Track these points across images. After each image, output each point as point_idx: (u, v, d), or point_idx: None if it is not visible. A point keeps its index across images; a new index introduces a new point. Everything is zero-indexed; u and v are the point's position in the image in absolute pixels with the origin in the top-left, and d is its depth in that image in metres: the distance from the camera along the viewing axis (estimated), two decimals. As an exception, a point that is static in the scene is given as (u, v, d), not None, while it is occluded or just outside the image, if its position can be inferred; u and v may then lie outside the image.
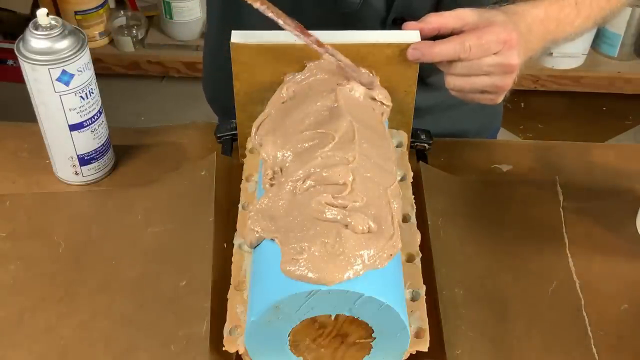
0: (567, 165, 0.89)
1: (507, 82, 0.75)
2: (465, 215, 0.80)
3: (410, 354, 0.63)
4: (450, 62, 0.73)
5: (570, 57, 2.11)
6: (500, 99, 0.77)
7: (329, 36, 0.74)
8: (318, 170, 0.63)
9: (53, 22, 0.74)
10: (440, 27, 0.74)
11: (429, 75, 0.89)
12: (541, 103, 1.12)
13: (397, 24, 0.84)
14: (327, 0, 0.83)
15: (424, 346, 0.62)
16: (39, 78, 0.75)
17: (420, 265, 0.67)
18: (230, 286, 0.66)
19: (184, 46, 2.23)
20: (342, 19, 0.84)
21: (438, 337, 0.67)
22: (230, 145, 0.87)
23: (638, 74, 2.21)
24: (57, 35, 0.74)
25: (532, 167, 0.89)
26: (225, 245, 0.73)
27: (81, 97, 0.77)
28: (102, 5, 2.17)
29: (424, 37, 0.74)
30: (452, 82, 0.75)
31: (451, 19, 0.74)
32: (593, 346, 0.69)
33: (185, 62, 2.22)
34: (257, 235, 0.63)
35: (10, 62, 2.21)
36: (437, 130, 0.90)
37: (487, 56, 0.72)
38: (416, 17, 0.77)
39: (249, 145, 0.78)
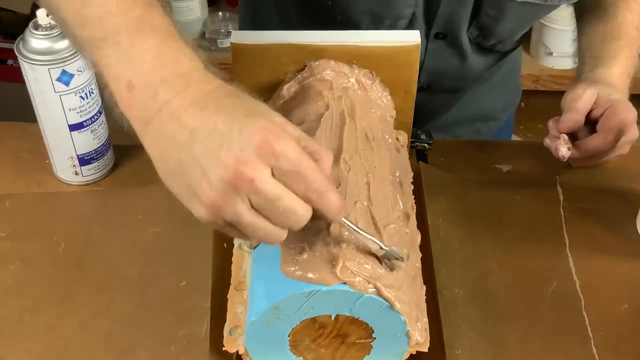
0: (567, 165, 0.89)
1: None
2: (465, 215, 0.80)
3: (410, 354, 0.63)
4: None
5: (570, 57, 2.10)
6: None
7: (329, 36, 0.74)
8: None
9: (53, 22, 0.74)
10: (581, 121, 0.84)
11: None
12: (541, 103, 1.12)
13: (438, 38, 0.91)
14: (380, 18, 0.87)
15: (424, 346, 0.62)
16: (39, 78, 0.75)
17: (420, 265, 0.67)
18: (230, 286, 0.66)
19: (183, 46, 2.22)
20: None
21: (438, 337, 0.67)
22: (230, 145, 0.87)
23: (638, 73, 2.20)
24: (57, 35, 0.74)
25: (532, 167, 0.89)
26: (225, 245, 0.73)
27: (81, 97, 0.77)
28: (102, 5, 2.17)
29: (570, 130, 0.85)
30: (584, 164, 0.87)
31: (584, 109, 0.84)
32: (593, 346, 0.69)
33: (185, 62, 2.21)
34: (257, 235, 0.63)
35: (10, 62, 2.21)
36: (465, 114, 1.01)
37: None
38: (455, 31, 0.88)
39: (249, 145, 0.78)
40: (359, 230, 0.57)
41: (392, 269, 0.59)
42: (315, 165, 0.52)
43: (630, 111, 0.82)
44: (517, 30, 0.94)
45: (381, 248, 0.58)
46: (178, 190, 0.53)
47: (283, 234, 0.53)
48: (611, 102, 0.83)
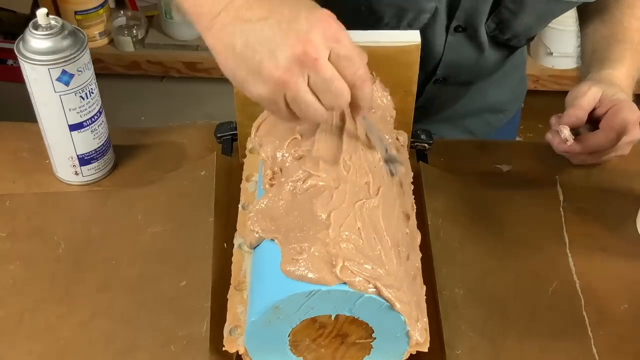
0: (567, 165, 0.89)
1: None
2: (465, 215, 0.80)
3: (410, 354, 0.63)
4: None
5: (570, 57, 2.10)
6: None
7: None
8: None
9: (53, 22, 0.74)
10: (583, 117, 0.84)
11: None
12: (541, 103, 1.13)
13: (458, 31, 0.93)
14: (403, 12, 0.89)
15: (424, 346, 0.62)
16: (39, 78, 0.75)
17: (420, 265, 0.67)
18: (230, 286, 0.66)
19: (183, 46, 2.23)
20: None
21: (438, 337, 0.67)
22: (230, 145, 0.87)
23: None
24: (57, 35, 0.74)
25: (532, 167, 0.89)
26: (225, 245, 0.73)
27: (81, 97, 0.77)
28: (102, 5, 2.17)
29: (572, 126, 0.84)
30: (583, 160, 0.87)
31: (588, 106, 0.84)
32: (593, 346, 0.69)
33: (185, 62, 2.22)
34: (257, 235, 0.63)
35: (10, 62, 2.21)
36: (474, 106, 1.04)
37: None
38: (474, 24, 0.90)
39: (249, 145, 0.78)
40: (375, 129, 0.65)
41: (393, 173, 0.66)
42: (362, 54, 0.59)
43: (634, 111, 0.82)
44: (534, 26, 0.95)
45: (387, 151, 0.66)
46: (240, 74, 0.58)
47: (324, 114, 0.60)
48: (615, 101, 0.83)
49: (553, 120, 0.86)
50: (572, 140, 0.83)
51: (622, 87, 0.87)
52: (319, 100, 0.59)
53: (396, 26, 0.90)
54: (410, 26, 0.90)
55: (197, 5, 0.60)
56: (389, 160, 0.66)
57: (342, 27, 0.59)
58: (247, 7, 0.58)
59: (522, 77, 1.16)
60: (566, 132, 0.83)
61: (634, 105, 0.83)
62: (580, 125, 0.85)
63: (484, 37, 0.93)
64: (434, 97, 1.01)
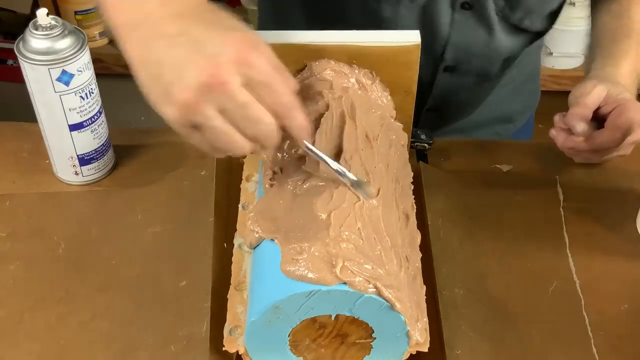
0: (567, 165, 0.89)
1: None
2: (465, 215, 0.80)
3: (410, 354, 0.63)
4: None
5: (570, 57, 2.10)
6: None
7: (329, 36, 0.74)
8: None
9: (53, 22, 0.74)
10: (588, 116, 0.83)
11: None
12: (541, 103, 1.12)
13: (464, 9, 0.90)
14: None
15: (424, 346, 0.62)
16: (39, 78, 0.75)
17: (420, 265, 0.67)
18: (230, 286, 0.66)
19: (183, 46, 2.22)
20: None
21: (438, 337, 0.67)
22: (230, 145, 0.87)
23: (638, 73, 2.20)
24: (57, 35, 0.74)
25: (532, 167, 0.89)
26: (225, 245, 0.73)
27: (81, 97, 0.77)
28: (102, 5, 2.17)
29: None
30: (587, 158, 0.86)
31: (593, 105, 0.83)
32: (593, 346, 0.69)
33: (185, 62, 2.21)
34: (257, 235, 0.63)
35: (10, 62, 2.21)
36: (489, 116, 1.04)
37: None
38: (482, 0, 0.88)
39: (249, 145, 0.78)
40: (324, 157, 0.60)
41: (370, 196, 0.61)
42: (286, 81, 0.56)
43: (639, 112, 0.82)
44: (544, 1, 0.92)
45: (344, 175, 0.61)
46: (154, 92, 0.56)
47: (246, 146, 0.56)
48: (621, 100, 0.83)
49: (557, 118, 0.85)
50: (586, 128, 0.82)
51: (626, 85, 0.86)
52: (240, 131, 0.55)
53: (397, 2, 0.88)
54: (412, 1, 0.88)
55: (116, 9, 0.58)
56: (355, 186, 0.61)
57: (262, 51, 0.55)
58: (164, 21, 0.55)
59: (535, 89, 1.15)
60: (582, 125, 0.82)
61: (639, 105, 0.83)
62: (585, 124, 0.84)
63: (492, 15, 0.90)
64: (449, 92, 0.98)
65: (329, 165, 0.60)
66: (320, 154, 0.60)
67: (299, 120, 0.57)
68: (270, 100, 0.55)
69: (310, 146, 0.59)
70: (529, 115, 1.15)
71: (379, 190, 0.63)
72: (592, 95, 0.83)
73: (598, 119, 0.84)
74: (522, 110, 1.12)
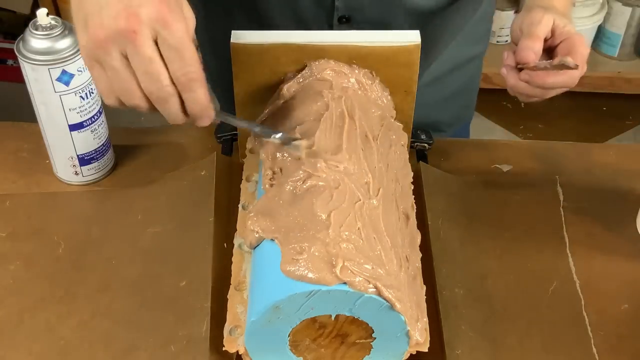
0: (567, 165, 0.89)
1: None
2: (465, 215, 0.80)
3: (410, 354, 0.63)
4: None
5: (570, 57, 2.11)
6: None
7: (329, 36, 0.74)
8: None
9: (53, 22, 0.74)
10: (539, 50, 0.78)
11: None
12: (541, 103, 1.12)
13: (342, 23, 0.87)
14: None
15: (424, 346, 0.62)
16: (39, 78, 0.75)
17: (420, 265, 0.67)
18: (230, 286, 0.67)
19: (183, 46, 2.22)
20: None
21: (438, 337, 0.67)
22: (230, 145, 0.87)
23: (638, 74, 2.20)
24: (57, 35, 0.74)
25: (532, 167, 0.89)
26: (225, 245, 0.73)
27: (81, 97, 0.77)
28: (102, 6, 2.17)
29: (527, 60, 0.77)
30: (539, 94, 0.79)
31: (544, 35, 0.78)
32: (593, 346, 0.69)
33: (185, 61, 2.21)
34: (256, 235, 0.63)
35: (10, 62, 2.21)
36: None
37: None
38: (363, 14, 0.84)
39: (249, 145, 0.78)
40: (235, 119, 0.63)
41: (301, 149, 0.63)
42: (196, 54, 0.56)
43: (585, 46, 0.79)
44: None
45: (269, 135, 0.63)
46: (75, 17, 0.58)
47: (141, 102, 0.58)
48: (568, 34, 0.78)
49: (505, 55, 0.80)
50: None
51: (566, 15, 0.82)
52: (137, 81, 0.56)
53: None
54: None
55: None
56: (286, 143, 0.62)
57: (182, 18, 0.56)
58: None
59: (469, 105, 1.08)
60: (568, 59, 0.76)
61: (584, 39, 0.80)
62: (535, 59, 0.78)
63: None
64: None
65: (253, 130, 0.63)
66: (236, 120, 0.63)
67: (199, 94, 0.57)
68: (176, 65, 0.56)
69: (223, 113, 0.61)
70: (460, 128, 1.09)
71: (312, 144, 0.64)
72: (543, 26, 0.78)
73: (545, 50, 0.79)
74: (451, 122, 1.06)
